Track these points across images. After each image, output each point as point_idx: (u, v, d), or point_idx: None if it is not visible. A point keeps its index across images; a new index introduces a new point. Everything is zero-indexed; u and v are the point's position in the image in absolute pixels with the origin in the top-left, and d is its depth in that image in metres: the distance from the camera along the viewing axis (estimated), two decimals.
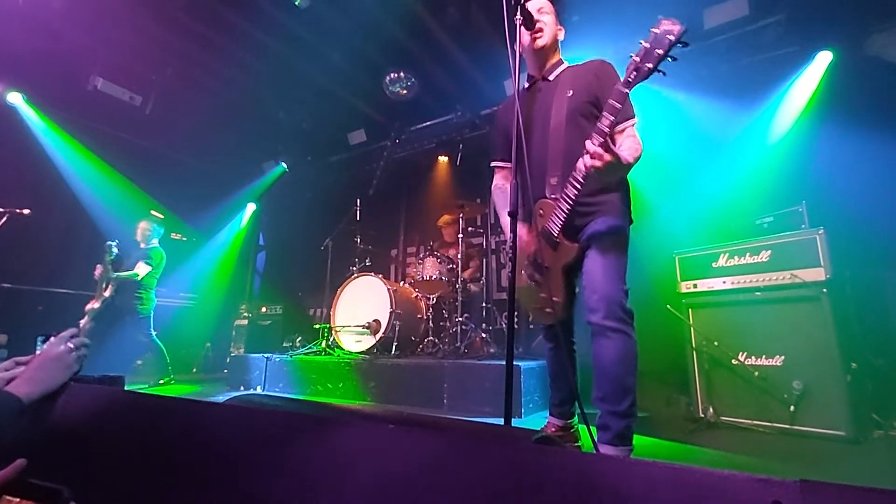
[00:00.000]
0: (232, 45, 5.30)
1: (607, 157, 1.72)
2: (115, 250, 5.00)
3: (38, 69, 5.42)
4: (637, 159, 1.93)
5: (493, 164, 2.52)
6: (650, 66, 1.63)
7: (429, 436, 0.61)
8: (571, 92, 2.14)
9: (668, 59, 1.63)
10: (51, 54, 5.19)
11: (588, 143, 1.75)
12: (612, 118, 1.73)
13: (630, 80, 1.69)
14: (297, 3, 4.57)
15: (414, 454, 0.60)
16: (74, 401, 1.02)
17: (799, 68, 4.41)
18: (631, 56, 1.69)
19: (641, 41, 1.67)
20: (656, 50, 1.62)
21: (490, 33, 4.81)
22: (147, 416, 0.91)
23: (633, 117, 2.03)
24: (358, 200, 5.99)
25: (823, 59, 4.30)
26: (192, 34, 5.15)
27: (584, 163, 1.76)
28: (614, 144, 1.80)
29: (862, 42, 4.16)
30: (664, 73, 1.65)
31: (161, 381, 5.11)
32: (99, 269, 4.97)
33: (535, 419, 3.29)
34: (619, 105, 1.72)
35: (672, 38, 1.59)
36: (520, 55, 1.86)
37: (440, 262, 5.12)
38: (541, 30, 2.19)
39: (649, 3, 4.20)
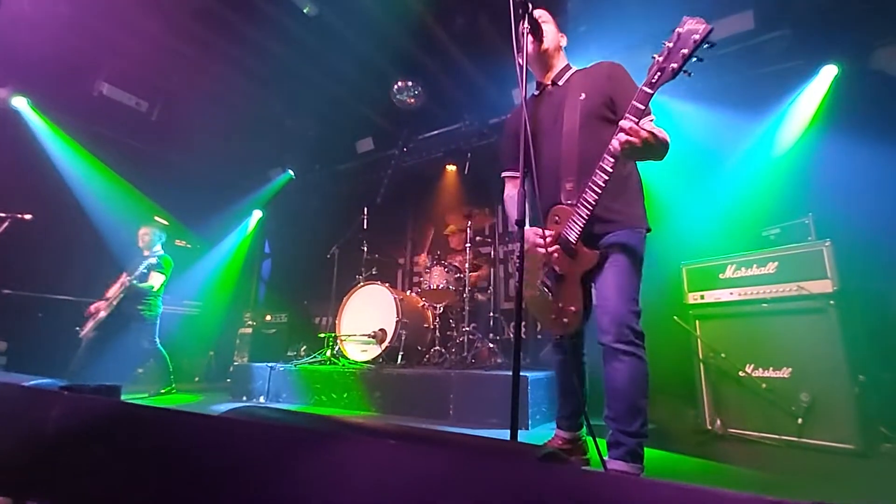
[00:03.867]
0: (240, 52, 5.34)
1: (644, 133, 1.69)
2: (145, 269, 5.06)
3: (44, 74, 5.46)
4: (669, 142, 1.88)
5: (503, 174, 2.49)
6: (675, 66, 1.60)
7: (431, 452, 0.59)
8: (584, 95, 2.11)
9: (694, 59, 1.58)
10: (56, 59, 5.22)
11: (623, 122, 1.72)
12: (635, 120, 1.71)
13: (654, 80, 1.66)
14: (305, 11, 4.60)
15: (415, 471, 0.59)
16: (68, 412, 1.01)
17: (804, 81, 4.43)
18: (653, 57, 1.66)
19: (664, 42, 1.63)
20: (681, 50, 1.58)
21: (498, 42, 4.84)
22: (143, 428, 0.89)
23: (651, 115, 1.97)
24: (365, 209, 5.99)
25: (828, 73, 4.31)
26: (200, 41, 5.19)
27: (618, 142, 1.72)
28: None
29: (866, 56, 4.18)
30: (689, 74, 1.61)
31: (163, 391, 5.08)
32: (126, 277, 4.98)
33: (541, 431, 3.27)
34: (642, 107, 1.70)
35: (698, 37, 1.55)
36: (526, 65, 1.85)
37: (447, 272, 5.10)
38: (542, 36, 2.18)
39: (656, 14, 4.23)
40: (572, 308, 2.05)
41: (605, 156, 1.80)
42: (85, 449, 0.90)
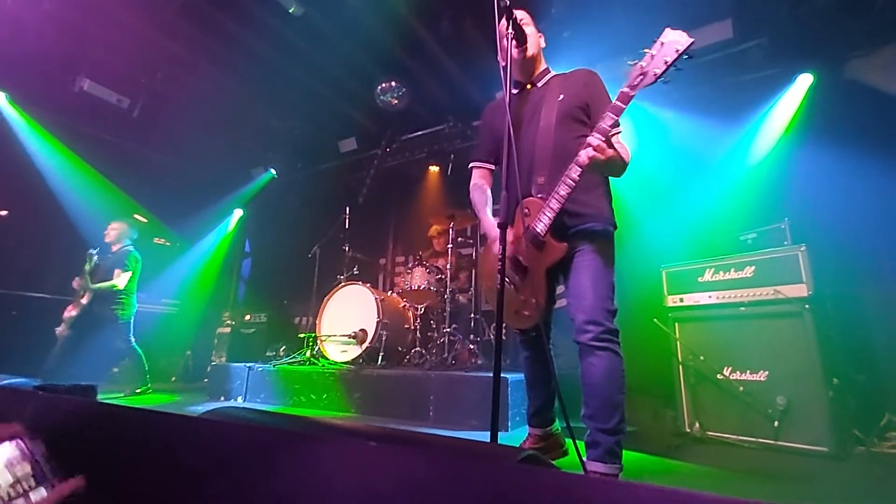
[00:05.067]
0: (225, 50, 5.27)
1: (609, 151, 1.79)
2: (94, 259, 4.93)
3: (24, 69, 5.34)
4: (628, 162, 2.01)
5: (473, 164, 2.49)
6: (657, 72, 1.71)
7: (411, 454, 0.59)
8: (562, 97, 2.17)
9: (674, 68, 1.69)
10: (37, 54, 5.11)
11: (590, 138, 1.80)
12: (615, 118, 1.79)
13: (635, 83, 1.75)
14: (291, 11, 4.57)
15: (395, 473, 0.58)
16: (42, 412, 0.98)
17: (781, 89, 4.52)
18: (634, 63, 1.76)
19: (646, 49, 1.74)
20: (664, 58, 1.70)
21: (482, 46, 4.85)
22: (119, 429, 0.87)
23: (619, 127, 2.04)
24: (347, 208, 5.95)
25: (804, 82, 4.41)
26: (184, 38, 5.11)
27: (586, 155, 1.79)
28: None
29: (840, 66, 4.29)
30: (667, 82, 1.72)
31: (138, 390, 4.98)
32: (77, 281, 4.89)
33: (521, 432, 3.25)
34: (623, 105, 1.78)
35: (679, 48, 1.68)
36: (509, 66, 1.87)
37: (429, 272, 5.09)
38: (526, 41, 2.22)
39: (639, 21, 4.30)
40: (534, 301, 2.05)
41: (577, 157, 1.86)
42: (61, 449, 0.87)
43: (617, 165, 1.94)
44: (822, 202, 3.81)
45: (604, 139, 1.79)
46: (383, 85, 5.77)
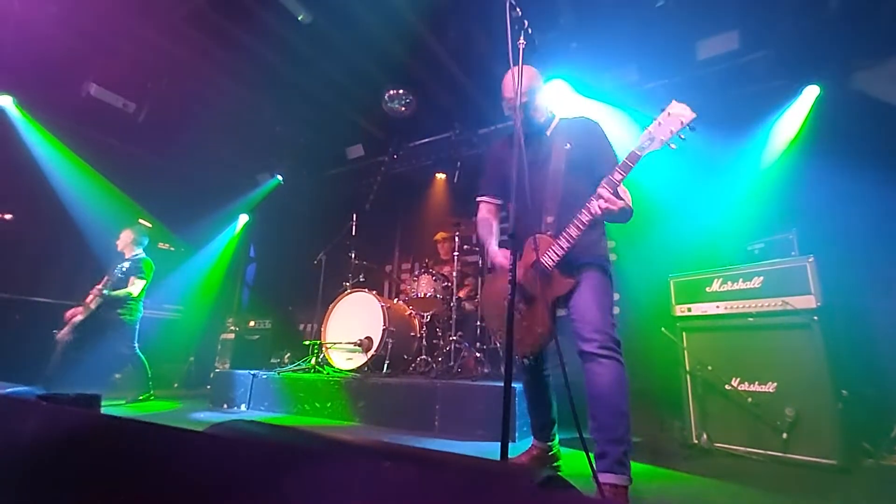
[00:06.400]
0: (232, 57, 5.30)
1: (619, 203, 1.99)
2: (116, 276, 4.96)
3: (30, 73, 5.37)
4: (633, 211, 2.20)
5: (479, 198, 2.68)
6: (663, 138, 1.97)
7: (427, 475, 0.58)
8: (569, 145, 2.35)
9: (678, 137, 1.96)
10: (44, 59, 5.15)
11: (601, 191, 2.00)
12: (623, 175, 1.99)
13: (644, 146, 2.00)
14: (299, 19, 4.59)
15: (410, 495, 0.57)
16: (46, 424, 0.97)
17: (788, 100, 4.54)
18: (646, 128, 2.01)
19: (655, 117, 2.00)
20: (669, 128, 1.96)
21: (490, 54, 4.85)
22: (123, 443, 0.85)
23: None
24: (354, 215, 5.93)
25: (811, 93, 4.43)
26: (192, 44, 5.14)
27: (598, 206, 1.99)
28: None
29: (847, 78, 4.31)
30: (674, 147, 1.97)
31: (140, 397, 4.95)
32: (93, 300, 4.86)
33: (527, 443, 3.24)
34: (631, 164, 1.99)
35: (683, 121, 1.95)
36: (518, 99, 1.98)
37: (435, 280, 5.08)
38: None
39: (644, 33, 4.31)
40: (539, 329, 2.21)
41: (588, 205, 2.06)
42: (62, 463, 0.86)
43: (626, 213, 2.11)
44: (830, 213, 3.81)
45: (612, 192, 1.98)
46: (391, 92, 5.79)
